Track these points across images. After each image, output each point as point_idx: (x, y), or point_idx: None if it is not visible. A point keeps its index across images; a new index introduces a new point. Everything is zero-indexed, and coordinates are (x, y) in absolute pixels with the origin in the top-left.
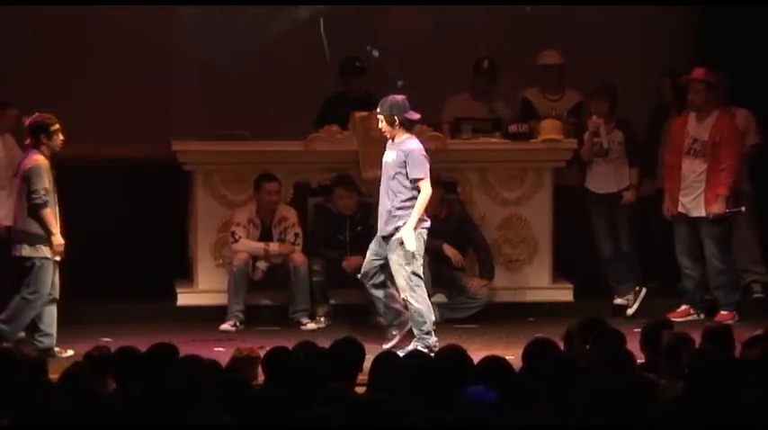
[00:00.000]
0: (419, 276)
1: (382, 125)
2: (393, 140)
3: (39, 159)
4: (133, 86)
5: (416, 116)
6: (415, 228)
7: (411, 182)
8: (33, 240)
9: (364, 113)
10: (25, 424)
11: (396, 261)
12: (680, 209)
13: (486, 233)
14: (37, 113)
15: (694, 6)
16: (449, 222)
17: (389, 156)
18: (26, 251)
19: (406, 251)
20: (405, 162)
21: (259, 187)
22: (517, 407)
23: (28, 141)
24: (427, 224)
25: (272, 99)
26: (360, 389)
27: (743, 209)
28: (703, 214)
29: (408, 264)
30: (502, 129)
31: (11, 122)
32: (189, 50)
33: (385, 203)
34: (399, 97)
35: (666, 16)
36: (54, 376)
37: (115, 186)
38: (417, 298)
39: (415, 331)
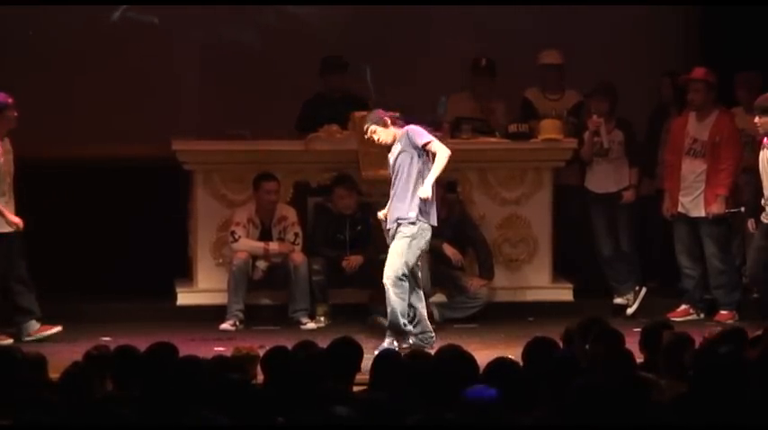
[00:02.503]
0: (406, 275)
1: (378, 137)
2: (394, 141)
3: None
4: (133, 86)
5: (397, 113)
6: (415, 224)
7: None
8: None
9: (364, 113)
10: (25, 424)
11: (395, 249)
12: (680, 209)
13: (486, 233)
14: None
15: (694, 6)
16: (449, 222)
17: (396, 151)
18: None
19: (409, 242)
20: (409, 143)
21: (258, 187)
22: (518, 407)
23: None
24: (433, 223)
25: (273, 99)
26: (357, 389)
27: (742, 209)
28: (703, 214)
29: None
30: (498, 133)
31: (10, 124)
32: (189, 50)
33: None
34: (375, 110)
35: (666, 16)
36: (54, 376)
37: (115, 186)
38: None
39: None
